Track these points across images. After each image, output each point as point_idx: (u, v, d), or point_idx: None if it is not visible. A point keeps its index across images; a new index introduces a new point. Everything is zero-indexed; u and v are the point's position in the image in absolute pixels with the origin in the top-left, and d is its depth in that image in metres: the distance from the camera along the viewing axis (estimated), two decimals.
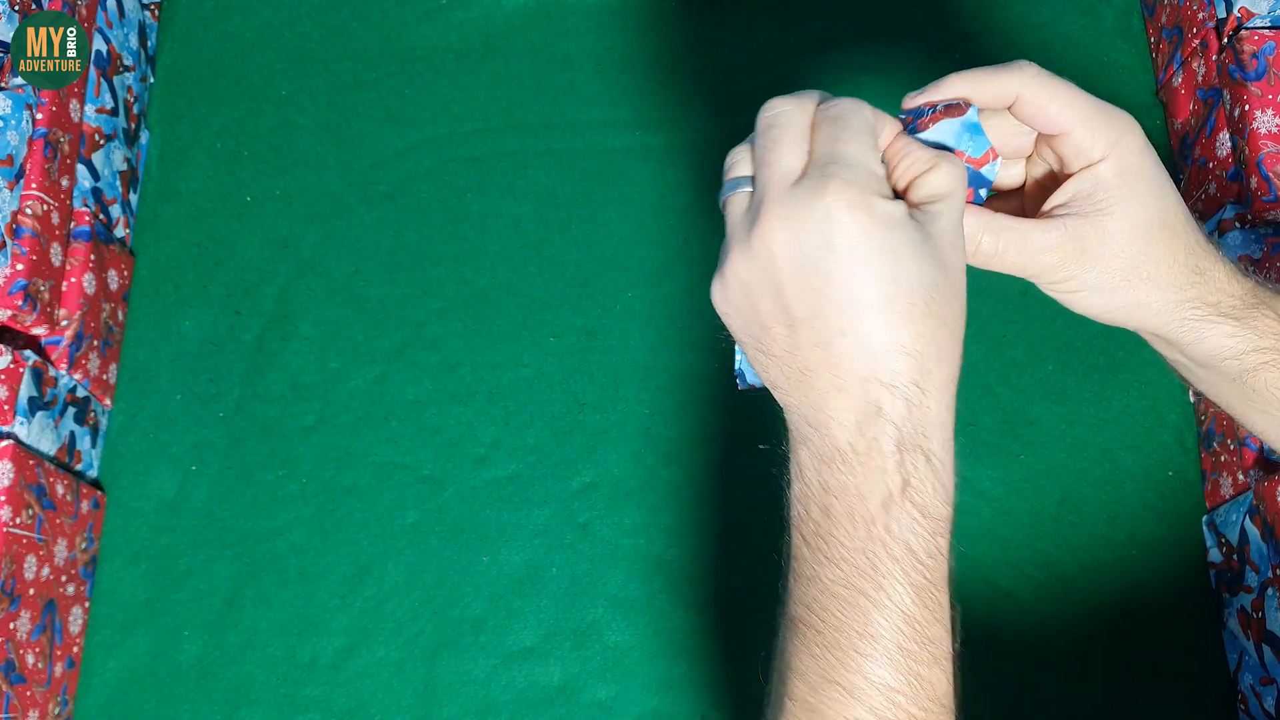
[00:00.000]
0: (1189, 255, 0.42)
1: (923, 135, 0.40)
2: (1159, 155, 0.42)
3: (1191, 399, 0.99)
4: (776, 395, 0.40)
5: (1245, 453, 0.89)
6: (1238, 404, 0.45)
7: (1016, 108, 0.41)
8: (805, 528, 0.38)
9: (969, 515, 0.96)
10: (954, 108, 0.40)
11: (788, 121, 0.41)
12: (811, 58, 1.13)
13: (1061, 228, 0.41)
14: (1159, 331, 0.43)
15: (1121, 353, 1.00)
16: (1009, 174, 0.46)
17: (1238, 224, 0.94)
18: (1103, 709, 0.90)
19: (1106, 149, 0.40)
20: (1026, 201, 0.46)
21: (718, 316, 0.41)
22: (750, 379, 0.44)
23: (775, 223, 0.37)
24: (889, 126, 0.41)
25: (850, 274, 0.35)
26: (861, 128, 0.39)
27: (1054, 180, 0.44)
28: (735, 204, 0.40)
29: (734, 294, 0.39)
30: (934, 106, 0.40)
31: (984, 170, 0.42)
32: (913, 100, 0.43)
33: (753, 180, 0.40)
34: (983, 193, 0.43)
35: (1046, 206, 0.43)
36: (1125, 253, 0.41)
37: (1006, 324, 1.02)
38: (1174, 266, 0.41)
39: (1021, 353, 1.01)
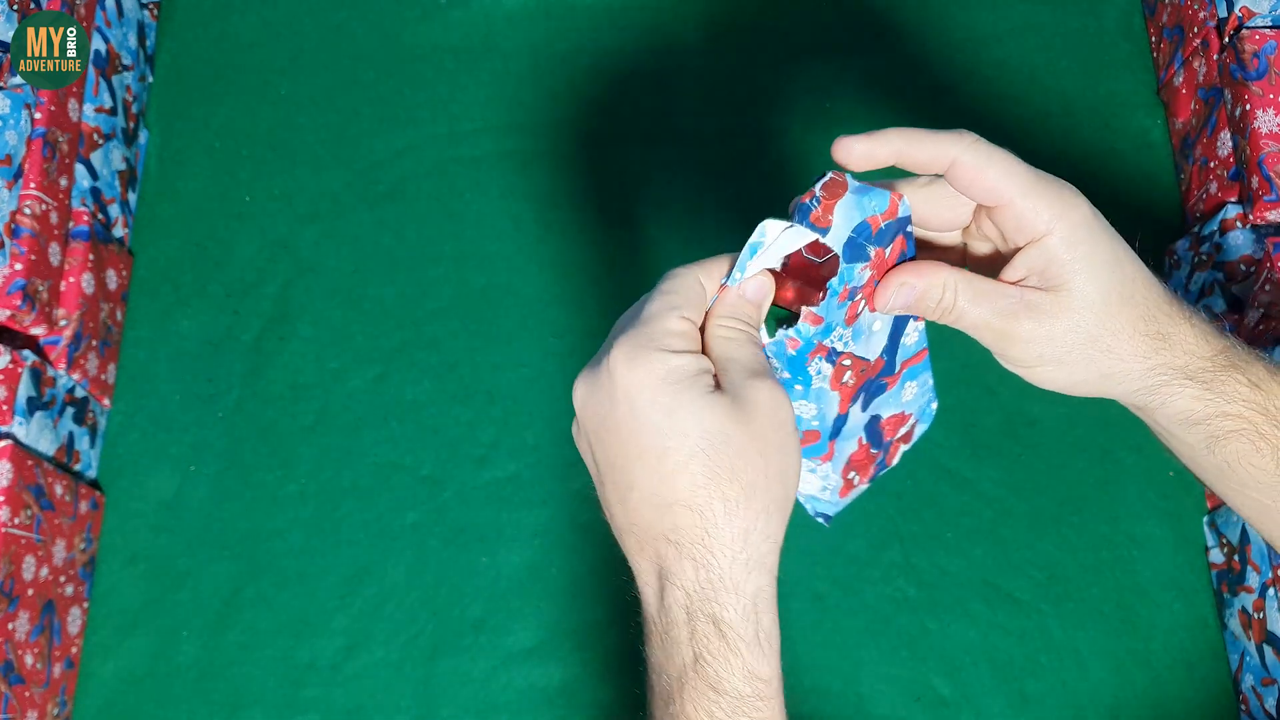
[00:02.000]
0: (1150, 323, 0.40)
1: (827, 229, 0.38)
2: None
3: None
4: None
5: None
6: (1217, 481, 0.42)
7: (953, 173, 0.39)
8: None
9: (969, 515, 0.95)
10: (834, 184, 0.38)
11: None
12: (811, 57, 1.13)
13: (1018, 296, 0.39)
14: (1124, 400, 0.42)
15: None
16: (944, 237, 0.44)
17: (1239, 224, 0.94)
18: (1103, 709, 0.90)
19: (1051, 221, 0.38)
20: None
21: None
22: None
23: (579, 381, 0.38)
24: (713, 284, 0.40)
25: (629, 427, 0.36)
26: (669, 289, 0.39)
27: (999, 260, 0.42)
28: None
29: (578, 443, 0.40)
30: (814, 197, 0.38)
31: (900, 215, 0.40)
32: (812, 197, 0.40)
33: None
34: (911, 234, 0.41)
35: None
36: (1081, 328, 0.39)
37: None
38: (1134, 337, 0.39)
39: None
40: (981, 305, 0.40)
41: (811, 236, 0.38)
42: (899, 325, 0.43)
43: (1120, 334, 0.39)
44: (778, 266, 0.39)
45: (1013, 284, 0.40)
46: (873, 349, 0.43)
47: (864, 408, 0.45)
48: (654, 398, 0.35)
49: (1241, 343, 0.41)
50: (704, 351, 0.38)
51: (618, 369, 0.36)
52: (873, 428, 0.46)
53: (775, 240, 0.38)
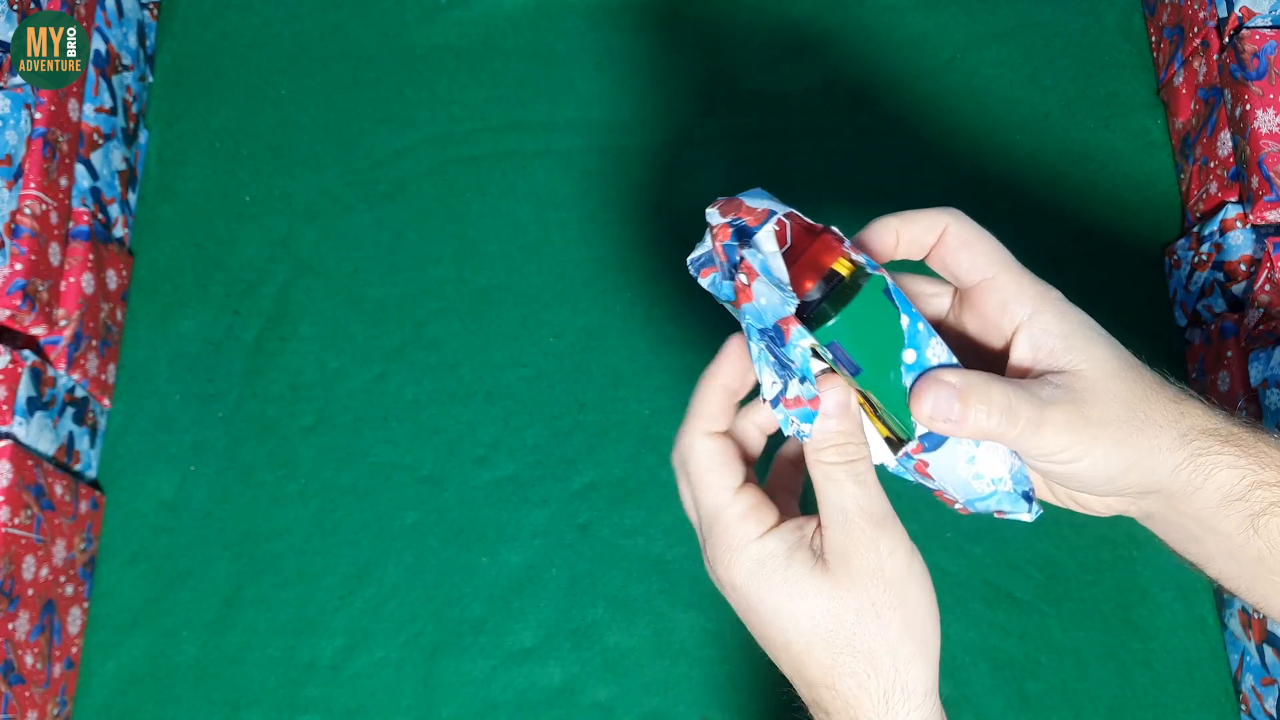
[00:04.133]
0: (1164, 387, 0.37)
1: (747, 307, 0.35)
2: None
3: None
4: None
5: None
6: (1255, 578, 0.38)
7: (942, 243, 0.38)
8: None
9: (969, 515, 0.95)
10: (730, 233, 0.34)
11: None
12: (812, 57, 1.13)
13: (1053, 384, 0.36)
14: (1167, 484, 0.37)
15: None
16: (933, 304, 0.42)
17: (1239, 224, 0.94)
18: (1103, 709, 0.90)
19: (1036, 300, 0.37)
20: None
21: (715, 314, 0.41)
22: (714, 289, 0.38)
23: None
24: (736, 376, 0.39)
25: (753, 621, 0.39)
26: (700, 456, 0.39)
27: (983, 351, 0.40)
28: None
29: None
30: (734, 257, 0.34)
31: (877, 272, 0.35)
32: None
33: None
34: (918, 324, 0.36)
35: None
36: (1117, 394, 0.36)
37: None
38: (1161, 399, 0.37)
39: None
40: (1037, 421, 0.36)
41: (772, 244, 0.35)
42: None
43: (1149, 397, 0.37)
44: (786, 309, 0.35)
45: (1026, 371, 0.37)
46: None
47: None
48: (761, 595, 0.37)
49: (1234, 413, 0.39)
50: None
51: (722, 572, 0.38)
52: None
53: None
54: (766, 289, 0.34)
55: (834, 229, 0.36)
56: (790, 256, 0.35)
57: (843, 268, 0.35)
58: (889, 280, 0.36)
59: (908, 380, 0.36)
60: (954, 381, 0.36)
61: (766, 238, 0.35)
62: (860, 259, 0.36)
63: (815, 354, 0.37)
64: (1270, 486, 0.36)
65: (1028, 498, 0.39)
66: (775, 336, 0.35)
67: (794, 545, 0.37)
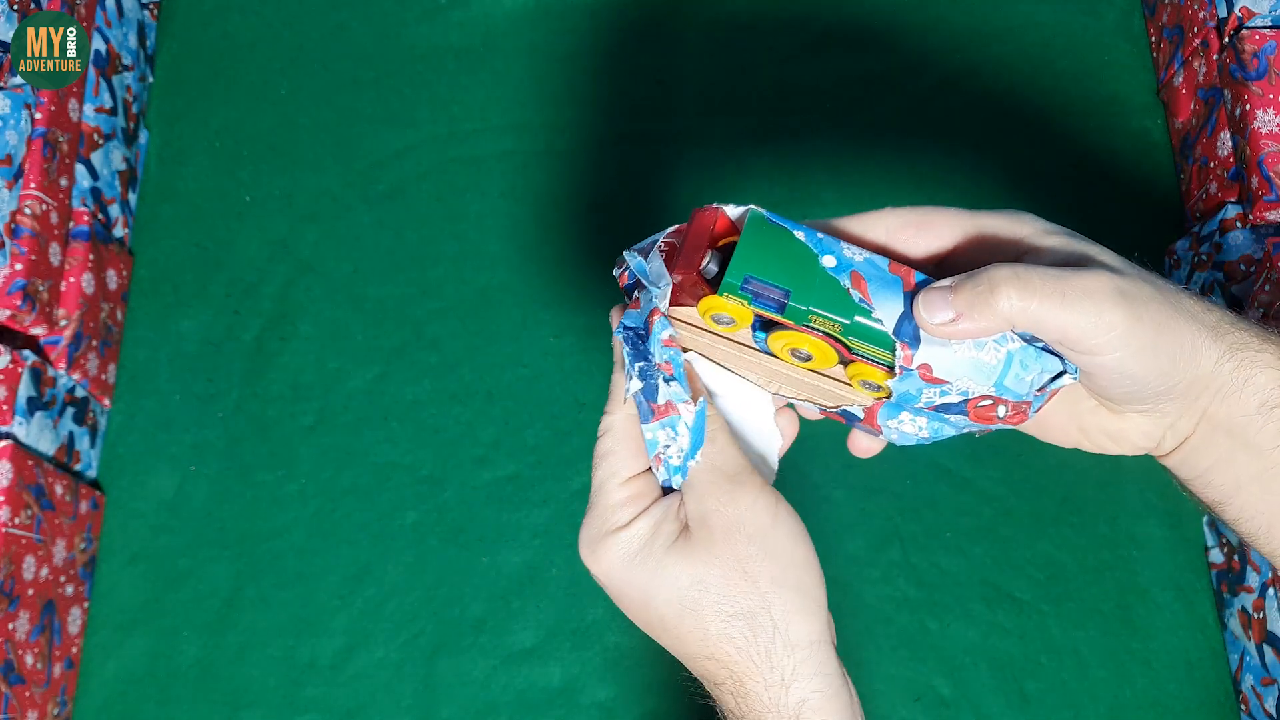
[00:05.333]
0: (1183, 288, 0.35)
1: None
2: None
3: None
4: None
5: None
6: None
7: (896, 240, 0.37)
8: None
9: (969, 515, 0.95)
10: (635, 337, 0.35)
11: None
12: (812, 57, 1.13)
13: (1080, 269, 0.33)
14: (1210, 378, 0.34)
15: None
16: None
17: (1239, 224, 0.94)
18: (1103, 709, 0.90)
19: (1018, 218, 0.37)
20: None
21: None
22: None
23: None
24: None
25: (626, 607, 0.38)
26: (603, 451, 0.38)
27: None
28: None
29: None
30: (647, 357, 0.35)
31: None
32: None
33: None
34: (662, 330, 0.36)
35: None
36: (1143, 277, 0.34)
37: None
38: (1186, 293, 0.34)
39: None
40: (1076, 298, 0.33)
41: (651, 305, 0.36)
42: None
43: (1175, 289, 0.34)
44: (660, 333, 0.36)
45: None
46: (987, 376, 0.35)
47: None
48: (628, 580, 0.36)
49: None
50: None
51: (589, 563, 0.37)
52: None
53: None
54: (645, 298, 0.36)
55: (713, 205, 0.36)
56: (678, 251, 0.36)
57: (729, 235, 0.35)
58: (764, 211, 0.35)
59: (845, 281, 0.34)
60: (974, 275, 0.33)
61: (654, 262, 0.36)
62: (737, 212, 0.35)
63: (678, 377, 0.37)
64: None
65: (1049, 350, 0.35)
66: (643, 332, 0.36)
67: (659, 521, 0.36)
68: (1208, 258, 0.96)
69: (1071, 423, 0.39)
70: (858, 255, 0.35)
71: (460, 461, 0.99)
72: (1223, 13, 0.98)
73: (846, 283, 0.34)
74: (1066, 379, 0.35)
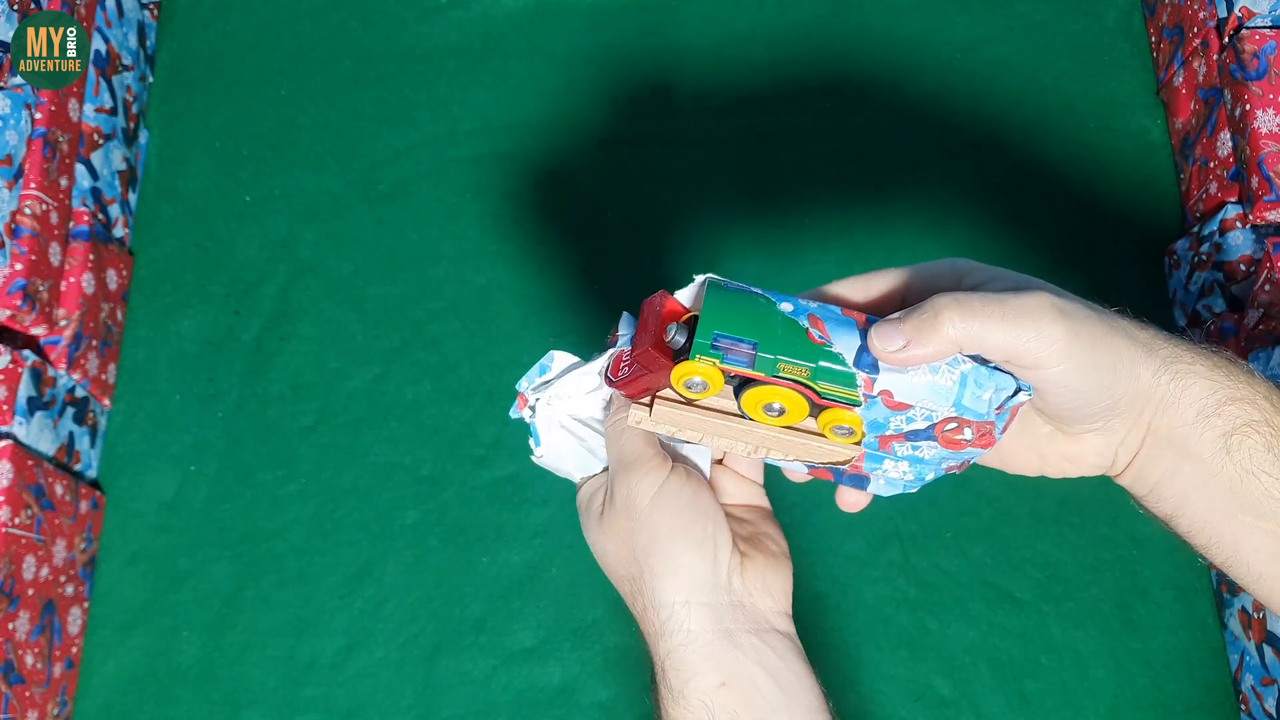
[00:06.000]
0: (1116, 314, 0.38)
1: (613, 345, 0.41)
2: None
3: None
4: None
5: None
6: (1228, 525, 0.38)
7: (850, 291, 0.41)
8: None
9: (969, 515, 0.95)
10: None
11: None
12: (811, 58, 1.13)
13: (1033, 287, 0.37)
14: (1149, 391, 0.37)
15: None
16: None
17: (1239, 224, 0.94)
18: (1103, 709, 0.90)
19: (942, 266, 0.40)
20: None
21: None
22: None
23: None
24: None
25: None
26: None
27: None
28: None
29: None
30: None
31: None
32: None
33: None
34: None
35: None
36: (1077, 300, 0.36)
37: None
38: (1116, 315, 0.37)
39: None
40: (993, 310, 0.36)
41: (595, 380, 0.42)
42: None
43: (1106, 311, 0.37)
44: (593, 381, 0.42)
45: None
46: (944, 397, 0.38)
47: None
48: (590, 541, 0.43)
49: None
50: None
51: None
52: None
53: (564, 371, 0.42)
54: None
55: (661, 291, 0.40)
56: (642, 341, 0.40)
57: (684, 314, 0.40)
58: (718, 277, 0.39)
59: (803, 322, 0.37)
60: (912, 310, 0.37)
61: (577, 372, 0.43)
62: (690, 290, 0.40)
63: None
64: (1239, 403, 0.37)
65: (1000, 370, 0.37)
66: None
67: (590, 502, 0.44)
68: (1208, 258, 0.96)
69: (1031, 450, 0.42)
70: (812, 303, 0.38)
71: (460, 461, 0.99)
72: (1223, 13, 0.98)
73: (805, 323, 0.37)
74: (1023, 395, 0.38)
